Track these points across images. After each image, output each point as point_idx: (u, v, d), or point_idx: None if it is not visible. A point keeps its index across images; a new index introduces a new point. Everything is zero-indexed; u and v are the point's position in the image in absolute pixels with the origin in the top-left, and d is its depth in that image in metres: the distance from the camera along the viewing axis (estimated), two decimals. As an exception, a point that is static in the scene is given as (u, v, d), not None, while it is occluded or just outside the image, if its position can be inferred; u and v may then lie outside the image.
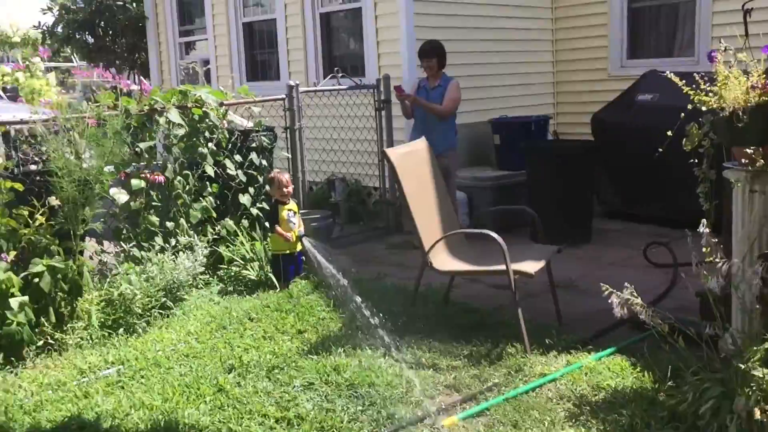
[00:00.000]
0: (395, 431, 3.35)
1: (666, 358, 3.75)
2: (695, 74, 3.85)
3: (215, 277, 5.71)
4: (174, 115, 5.52)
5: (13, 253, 4.50)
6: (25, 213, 4.64)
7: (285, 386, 3.85)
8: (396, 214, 7.29)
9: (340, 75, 7.08)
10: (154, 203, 5.44)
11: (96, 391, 3.88)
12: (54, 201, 4.67)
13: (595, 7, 8.62)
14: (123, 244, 5.23)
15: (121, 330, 4.68)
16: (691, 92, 3.75)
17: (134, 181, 5.28)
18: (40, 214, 4.63)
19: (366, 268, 6.16)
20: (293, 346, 4.39)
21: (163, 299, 4.94)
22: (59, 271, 4.53)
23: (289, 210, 5.65)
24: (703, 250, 3.39)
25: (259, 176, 6.21)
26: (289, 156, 6.50)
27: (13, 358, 4.28)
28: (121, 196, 5.20)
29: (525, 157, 6.95)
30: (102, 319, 4.70)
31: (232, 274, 5.71)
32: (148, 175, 5.38)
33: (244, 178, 6.04)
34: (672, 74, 3.96)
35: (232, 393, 3.78)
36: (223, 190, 5.98)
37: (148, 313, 4.83)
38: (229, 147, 6.00)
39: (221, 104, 5.87)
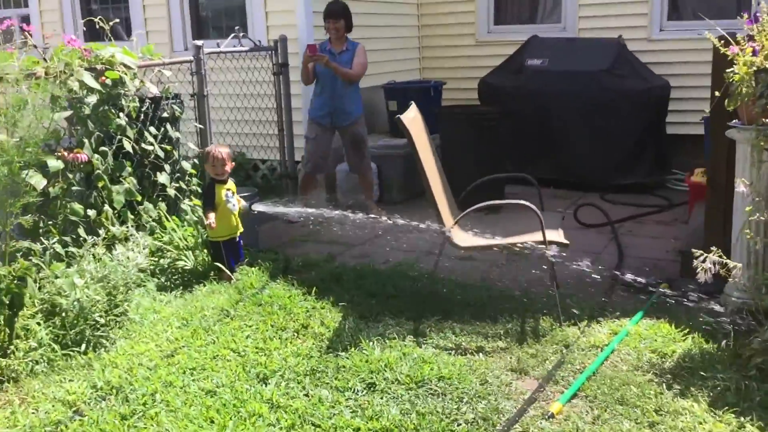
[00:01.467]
0: (508, 428, 3.04)
1: (687, 317, 3.90)
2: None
3: (146, 271, 4.85)
4: (89, 79, 4.55)
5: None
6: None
7: (345, 392, 3.35)
8: (295, 188, 6.77)
9: (242, 35, 6.31)
10: (74, 188, 4.47)
11: (129, 426, 3.08)
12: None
13: (461, -28, 8.60)
14: (44, 240, 4.22)
15: (83, 346, 3.77)
16: (737, 54, 3.73)
17: (51, 162, 4.27)
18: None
19: (299, 248, 5.65)
20: (312, 345, 3.85)
21: (122, 303, 4.07)
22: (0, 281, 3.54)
23: (228, 190, 4.95)
24: None
25: (174, 151, 5.38)
26: (201, 127, 5.69)
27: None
28: (37, 179, 4.17)
29: (439, 123, 6.77)
30: (53, 336, 3.76)
31: (166, 266, 4.90)
32: (66, 154, 4.39)
33: (161, 154, 5.18)
34: (711, 34, 3.93)
35: (293, 407, 3.20)
36: (136, 168, 5.09)
37: (112, 322, 3.95)
38: (141, 117, 5.10)
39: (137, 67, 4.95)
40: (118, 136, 4.86)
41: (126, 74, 4.85)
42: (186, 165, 5.41)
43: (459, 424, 3.06)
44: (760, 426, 2.95)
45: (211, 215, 4.83)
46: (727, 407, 3.09)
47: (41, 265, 4.07)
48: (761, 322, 3.58)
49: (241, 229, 5.02)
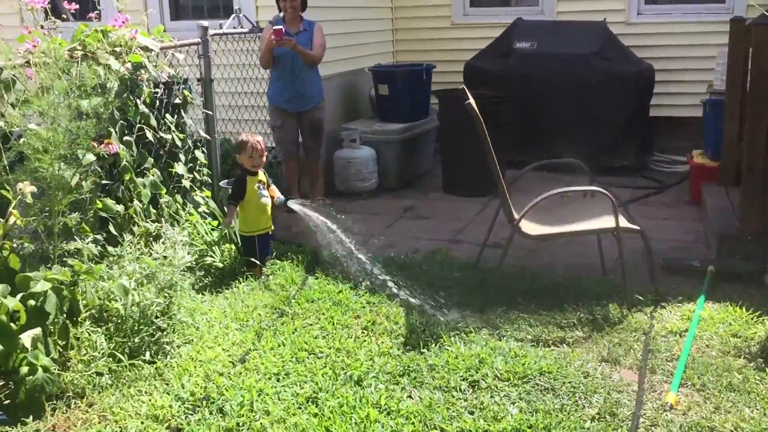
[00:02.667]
0: (637, 423, 2.98)
1: (744, 298, 3.99)
2: None
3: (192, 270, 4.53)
4: (114, 63, 4.18)
5: (-10, 270, 3.05)
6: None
7: (451, 392, 3.21)
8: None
9: (242, 15, 5.96)
10: (103, 181, 4.11)
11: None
12: (28, 188, 3.24)
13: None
14: (79, 240, 3.85)
15: (147, 354, 3.47)
16: None
17: (83, 154, 3.90)
18: (14, 208, 3.20)
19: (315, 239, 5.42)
20: (390, 342, 3.68)
21: (173, 306, 3.77)
22: (62, 288, 3.20)
23: (260, 182, 4.69)
24: None
25: (188, 139, 5.04)
26: (210, 113, 5.35)
27: (29, 417, 2.94)
28: (69, 173, 3.79)
29: (440, 106, 6.65)
30: (112, 345, 3.44)
31: (194, 263, 4.58)
32: (97, 145, 4.02)
33: (179, 143, 4.84)
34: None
35: (405, 411, 3.04)
36: (155, 159, 4.74)
37: (169, 327, 3.65)
38: (157, 104, 4.75)
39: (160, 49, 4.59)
40: (138, 125, 4.49)
41: (147, 58, 4.48)
42: (199, 154, 5.08)
43: (585, 421, 2.97)
44: None
45: (234, 210, 4.57)
46: (837, 389, 3.13)
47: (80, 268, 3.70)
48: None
49: (272, 228, 4.76)
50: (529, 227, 4.02)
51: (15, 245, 3.23)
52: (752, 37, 4.58)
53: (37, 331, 2.98)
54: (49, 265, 3.37)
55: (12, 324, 2.96)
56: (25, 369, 2.92)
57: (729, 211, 5.07)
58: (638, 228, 4.03)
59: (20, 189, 3.21)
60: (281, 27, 5.61)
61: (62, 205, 3.43)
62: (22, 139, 3.43)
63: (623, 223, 3.94)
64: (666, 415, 3.01)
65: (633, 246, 4.27)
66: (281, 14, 5.87)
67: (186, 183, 4.94)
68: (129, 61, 4.35)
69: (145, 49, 4.50)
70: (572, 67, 7.11)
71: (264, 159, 4.63)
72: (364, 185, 6.49)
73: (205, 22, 5.33)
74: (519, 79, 7.17)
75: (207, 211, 4.98)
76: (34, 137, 3.25)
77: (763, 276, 4.33)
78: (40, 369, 2.93)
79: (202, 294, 4.27)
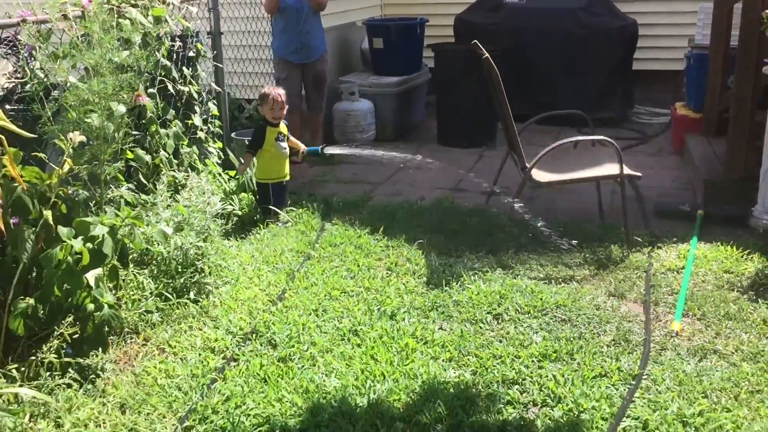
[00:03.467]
0: (646, 352, 3.31)
1: (731, 239, 4.36)
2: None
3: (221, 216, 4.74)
4: (140, 17, 4.30)
5: (48, 214, 3.24)
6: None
7: (478, 324, 3.51)
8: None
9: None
10: (134, 133, 4.27)
11: (291, 368, 3.11)
12: (78, 137, 3.41)
13: None
14: (114, 188, 4.03)
15: (191, 294, 3.70)
16: None
17: (116, 106, 4.05)
18: (68, 156, 3.37)
19: (325, 189, 5.67)
20: (415, 282, 3.97)
21: (208, 249, 3.99)
22: (116, 232, 3.40)
23: (279, 133, 4.88)
24: None
25: (202, 92, 5.19)
26: (220, 66, 5.49)
27: (96, 352, 3.17)
28: (111, 125, 3.95)
29: (436, 59, 6.85)
30: (158, 285, 3.67)
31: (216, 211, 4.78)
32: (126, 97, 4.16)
33: (195, 95, 5.00)
34: None
35: (440, 341, 3.34)
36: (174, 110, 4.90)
37: (207, 268, 3.88)
38: (174, 57, 4.88)
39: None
40: (159, 78, 4.63)
41: (172, 12, 4.61)
42: (212, 106, 5.24)
43: (602, 346, 3.30)
44: None
45: (251, 159, 4.77)
46: (822, 316, 3.51)
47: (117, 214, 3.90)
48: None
49: (289, 176, 4.98)
50: (539, 175, 4.30)
51: (70, 192, 3.40)
52: (742, -6, 4.87)
53: (99, 271, 3.19)
54: (94, 211, 3.56)
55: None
56: (91, 306, 3.13)
57: (713, 159, 5.43)
58: (639, 174, 4.34)
59: (71, 138, 3.36)
60: None
61: (107, 154, 3.60)
62: (55, 93, 3.57)
63: (626, 170, 4.24)
64: (673, 340, 3.35)
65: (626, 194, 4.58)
66: None
67: (201, 134, 5.11)
68: (152, 15, 4.47)
69: (163, 2, 4.62)
70: (560, 21, 7.35)
71: (284, 111, 4.81)
72: (362, 137, 6.71)
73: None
74: (508, 33, 7.39)
75: (219, 161, 5.16)
76: (84, 89, 3.40)
77: (748, 219, 4.69)
78: (105, 306, 3.14)
79: (228, 240, 4.49)
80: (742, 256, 4.19)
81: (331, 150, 4.90)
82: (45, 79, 3.66)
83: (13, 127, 3.06)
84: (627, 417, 2.79)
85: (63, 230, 3.13)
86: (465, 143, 6.81)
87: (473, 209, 5.01)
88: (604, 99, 7.43)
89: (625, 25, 7.37)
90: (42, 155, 3.46)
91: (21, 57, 3.63)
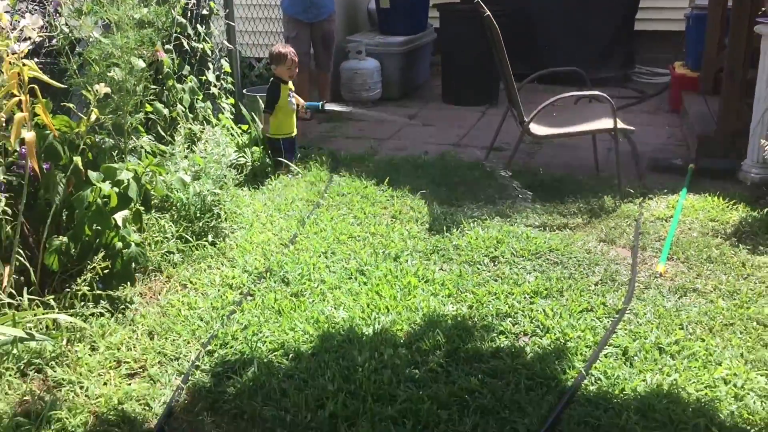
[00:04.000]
0: (630, 290, 3.57)
1: (720, 190, 4.59)
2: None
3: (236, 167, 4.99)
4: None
5: (78, 160, 3.50)
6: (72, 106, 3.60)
7: (476, 265, 3.78)
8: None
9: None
10: (152, 87, 4.50)
11: (303, 302, 3.39)
12: (103, 89, 3.65)
13: None
14: (135, 139, 4.28)
15: (209, 237, 3.98)
16: None
17: (136, 61, 4.27)
18: (95, 107, 3.62)
19: (333, 143, 5.91)
20: (417, 228, 4.23)
21: (223, 196, 4.25)
22: (140, 178, 3.67)
23: (290, 90, 5.12)
24: None
25: (215, 49, 5.41)
26: (232, 24, 5.70)
27: (123, 285, 3.46)
28: (133, 78, 4.18)
29: (441, 19, 7.04)
30: (178, 229, 3.94)
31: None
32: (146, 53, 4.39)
33: (209, 52, 5.22)
34: None
35: (440, 279, 3.61)
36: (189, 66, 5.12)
37: (223, 215, 4.15)
38: (188, 15, 5.10)
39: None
40: (175, 35, 4.85)
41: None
42: (224, 63, 5.46)
43: (590, 285, 3.56)
44: (830, 272, 3.64)
45: (269, 117, 5.01)
46: (797, 260, 3.76)
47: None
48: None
49: (295, 131, 5.21)
50: (537, 129, 4.53)
51: (97, 140, 3.66)
52: (737, -44, 5.03)
53: (126, 212, 3.46)
54: (117, 159, 3.81)
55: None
56: (119, 244, 3.41)
57: (707, 116, 5.64)
58: (632, 128, 4.56)
59: (97, 90, 3.61)
60: None
61: (129, 105, 3.85)
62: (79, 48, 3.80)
63: (620, 124, 4.47)
64: (657, 280, 3.61)
65: (621, 149, 4.80)
66: None
67: (214, 90, 5.33)
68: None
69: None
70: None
71: (297, 70, 5.03)
72: (369, 95, 6.92)
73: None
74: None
75: (231, 116, 5.40)
76: (107, 44, 3.63)
77: (737, 172, 4.92)
78: (132, 244, 3.42)
79: (241, 189, 4.75)
80: (728, 207, 4.43)
81: (330, 107, 5.12)
82: (70, 34, 3.88)
83: (46, 78, 3.31)
84: (609, 345, 3.06)
85: (93, 174, 3.39)
86: (469, 101, 7.02)
87: (474, 163, 5.25)
88: (605, 59, 7.61)
89: (627, -15, 7.51)
90: (71, 105, 3.70)
91: (48, 12, 3.86)
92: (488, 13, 4.39)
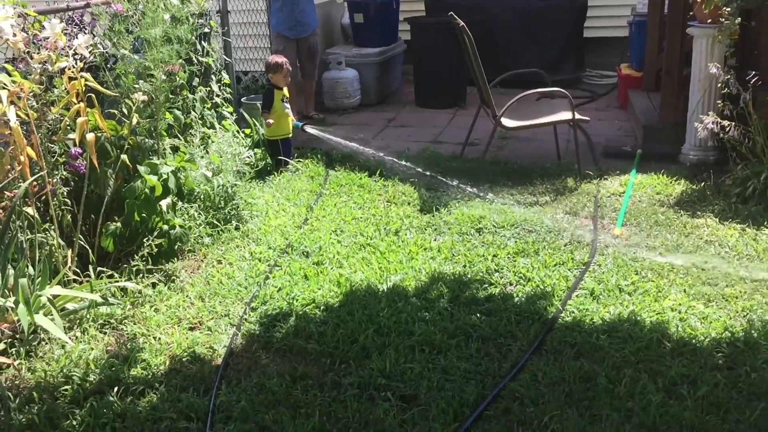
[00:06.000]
0: (593, 248, 4.30)
1: (665, 170, 5.35)
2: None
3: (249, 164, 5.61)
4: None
5: (125, 158, 4.11)
6: (121, 113, 4.22)
7: (464, 236, 4.47)
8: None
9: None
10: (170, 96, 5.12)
11: (324, 269, 4.04)
12: (141, 97, 4.28)
13: None
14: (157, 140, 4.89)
15: (233, 223, 4.61)
16: None
17: (159, 74, 4.90)
18: (136, 112, 4.24)
19: (323, 145, 6.56)
20: (410, 209, 4.91)
21: (240, 189, 4.89)
22: (176, 172, 4.29)
23: (284, 95, 5.77)
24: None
25: (216, 62, 6.04)
26: (228, 40, 6.35)
27: (172, 260, 4.08)
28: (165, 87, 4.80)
29: (412, 31, 7.77)
30: (206, 216, 4.57)
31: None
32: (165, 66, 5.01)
33: (213, 66, 5.85)
34: None
35: (436, 247, 4.29)
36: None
37: (242, 204, 4.78)
38: (195, 33, 5.72)
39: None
40: (181, 49, 5.47)
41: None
42: (225, 75, 6.09)
43: (561, 245, 4.29)
44: (755, 228, 4.42)
45: (268, 116, 5.65)
46: (729, 220, 4.54)
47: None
48: (725, 170, 5.07)
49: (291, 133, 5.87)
50: (507, 122, 5.26)
51: (139, 140, 4.27)
52: (669, -31, 5.86)
53: (169, 200, 4.08)
54: (154, 157, 4.43)
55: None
56: (165, 227, 4.02)
57: (651, 110, 6.45)
58: (587, 119, 5.33)
59: (136, 98, 4.23)
60: None
61: (161, 112, 4.47)
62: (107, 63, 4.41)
63: (577, 115, 5.23)
64: (614, 240, 4.35)
65: (578, 139, 5.56)
66: None
67: (217, 99, 5.96)
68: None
69: (187, -14, 5.45)
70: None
71: (290, 78, 5.69)
72: (349, 101, 7.61)
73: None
74: (475, 7, 8.30)
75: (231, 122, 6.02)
76: (138, 61, 4.26)
77: (678, 155, 5.71)
78: (177, 226, 4.04)
79: (250, 184, 5.38)
80: (670, 183, 5.22)
81: (309, 129, 5.80)
82: (107, 52, 4.50)
83: (101, 88, 3.93)
84: (579, 288, 3.78)
85: (141, 168, 4.01)
86: (440, 104, 7.75)
87: (452, 156, 5.96)
88: (559, 63, 8.41)
89: (576, -3, 8.36)
90: (115, 111, 4.31)
91: (88, 32, 4.46)
92: (462, 23, 5.08)
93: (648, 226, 4.53)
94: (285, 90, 5.78)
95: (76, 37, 3.98)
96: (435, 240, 4.42)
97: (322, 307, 3.66)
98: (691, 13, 5.31)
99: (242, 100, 6.44)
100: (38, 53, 3.72)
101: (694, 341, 3.28)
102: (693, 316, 3.49)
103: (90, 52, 4.26)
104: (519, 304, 3.64)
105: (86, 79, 3.85)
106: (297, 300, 3.72)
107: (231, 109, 6.13)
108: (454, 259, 4.15)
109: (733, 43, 5.13)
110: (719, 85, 5.04)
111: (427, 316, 3.54)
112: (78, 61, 3.84)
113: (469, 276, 3.94)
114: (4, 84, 3.43)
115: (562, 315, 3.54)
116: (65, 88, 3.82)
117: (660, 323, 3.42)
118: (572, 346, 3.28)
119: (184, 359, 3.27)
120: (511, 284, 3.87)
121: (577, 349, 3.23)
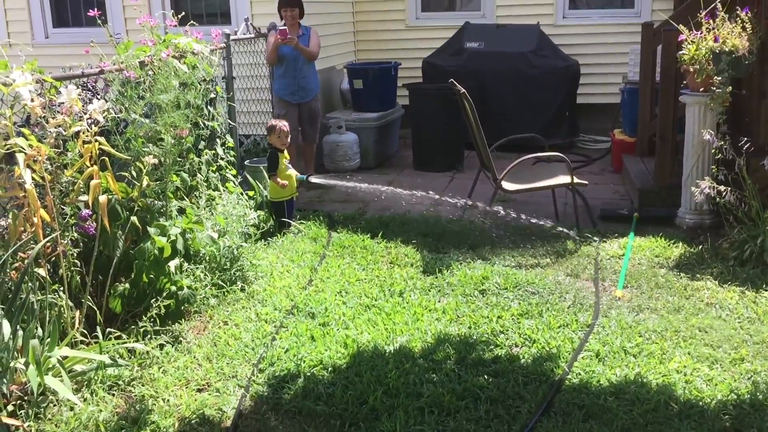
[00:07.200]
0: (596, 310, 4.36)
1: (662, 233, 5.44)
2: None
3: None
4: (181, 65, 5.28)
5: (135, 219, 4.18)
6: (130, 175, 4.30)
7: (469, 297, 4.52)
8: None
9: (250, 22, 7.11)
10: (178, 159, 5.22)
11: (331, 330, 4.07)
12: (152, 160, 4.37)
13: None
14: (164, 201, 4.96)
15: (238, 284, 4.65)
16: (717, 41, 5.09)
17: (168, 138, 5.01)
18: (146, 175, 4.32)
19: (324, 207, 6.65)
20: (413, 271, 4.96)
21: (246, 250, 4.94)
22: (185, 234, 4.35)
23: (285, 158, 5.89)
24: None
25: (221, 126, 6.16)
26: (233, 105, 6.49)
27: (179, 321, 4.11)
28: (174, 151, 4.89)
29: (410, 97, 7.96)
30: (212, 278, 4.61)
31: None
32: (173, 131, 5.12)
33: (218, 129, 5.97)
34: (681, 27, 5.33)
35: (441, 308, 4.34)
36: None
37: (247, 265, 4.83)
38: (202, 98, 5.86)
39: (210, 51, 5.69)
40: (190, 114, 5.59)
41: (202, 60, 5.58)
42: (229, 139, 6.21)
43: (564, 307, 4.34)
44: (754, 291, 4.49)
45: (276, 179, 5.75)
46: (728, 283, 4.61)
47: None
48: (721, 233, 5.17)
49: (297, 193, 5.96)
50: (507, 185, 5.37)
51: (148, 202, 4.34)
52: (661, 39, 6.08)
53: (176, 261, 4.12)
54: (162, 218, 4.49)
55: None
56: (173, 288, 4.06)
57: (645, 174, 6.59)
58: (586, 182, 5.45)
59: (146, 161, 4.32)
60: (285, 28, 6.81)
61: (170, 174, 4.56)
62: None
63: (576, 179, 5.35)
64: (617, 302, 4.41)
65: (576, 202, 5.68)
66: (282, 22, 7.04)
67: (222, 162, 6.06)
68: (186, 63, 5.45)
69: (193, 53, 5.61)
70: (514, 63, 8.55)
71: (288, 140, 5.82)
72: (349, 164, 7.74)
73: (227, 29, 6.46)
74: (470, 73, 8.53)
75: (235, 185, 6.12)
76: (148, 125, 4.37)
77: (674, 218, 5.82)
78: (185, 287, 4.07)
79: (254, 245, 5.43)
80: (669, 245, 5.30)
81: (314, 179, 5.90)
82: (119, 116, 4.60)
83: (114, 151, 4.01)
84: (584, 350, 3.82)
85: (151, 230, 4.06)
86: (437, 168, 7.88)
87: (452, 219, 6.05)
88: (553, 128, 8.59)
89: (568, 65, 8.60)
90: (126, 174, 4.39)
91: (101, 97, 4.58)
92: (463, 90, 5.23)
93: (649, 289, 4.59)
94: (286, 153, 5.88)
95: (91, 102, 4.09)
96: (439, 301, 4.47)
97: (329, 369, 3.67)
98: (684, 83, 5.50)
99: (245, 162, 6.55)
100: (54, 118, 3.82)
101: (700, 403, 3.31)
102: (698, 378, 3.52)
103: (103, 117, 4.37)
104: (526, 365, 3.67)
105: (100, 143, 3.93)
106: (304, 361, 3.74)
107: (234, 171, 6.23)
108: (459, 320, 4.19)
109: (724, 110, 5.30)
110: (713, 150, 5.18)
111: (435, 377, 3.56)
112: (92, 125, 3.93)
113: (474, 337, 3.97)
114: (22, 147, 3.50)
115: (569, 377, 3.56)
116: (79, 152, 3.90)
117: (666, 385, 3.46)
118: (581, 408, 3.30)
119: (193, 421, 3.27)
120: (516, 345, 3.90)
121: (585, 411, 3.25)
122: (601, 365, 3.66)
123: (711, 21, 5.22)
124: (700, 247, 5.17)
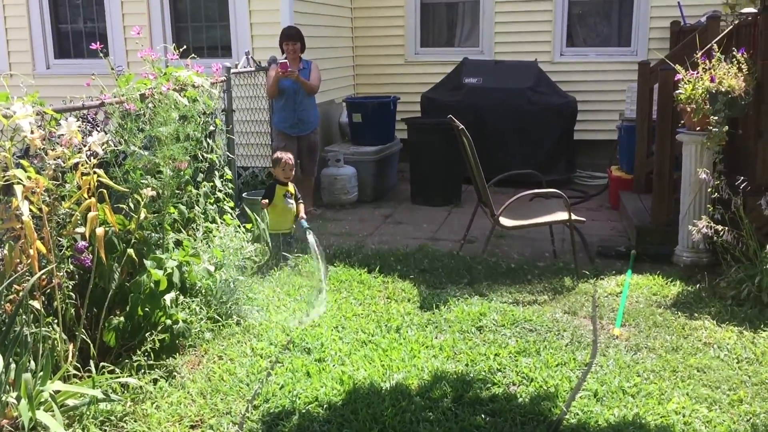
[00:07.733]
0: (594, 348, 4.34)
1: (659, 271, 5.44)
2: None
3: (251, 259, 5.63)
4: (181, 99, 5.31)
5: (131, 252, 4.16)
6: (128, 206, 4.29)
7: (466, 334, 4.49)
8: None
9: (250, 56, 7.17)
10: (176, 192, 5.21)
11: (327, 366, 4.03)
12: (150, 192, 4.37)
13: (392, 0, 9.84)
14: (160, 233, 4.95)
15: (234, 317, 4.62)
16: (713, 81, 5.14)
17: (167, 170, 5.01)
18: (144, 207, 4.31)
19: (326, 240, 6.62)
20: (410, 306, 4.94)
21: (241, 284, 4.91)
22: (182, 266, 4.33)
23: (287, 191, 5.89)
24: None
25: (219, 159, 6.17)
26: (232, 137, 6.51)
27: (174, 356, 4.07)
28: (173, 183, 4.89)
29: (409, 131, 7.99)
30: (208, 311, 4.58)
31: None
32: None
33: (217, 162, 5.98)
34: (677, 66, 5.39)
35: (439, 345, 4.31)
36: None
37: (243, 298, 4.81)
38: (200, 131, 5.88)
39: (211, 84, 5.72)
40: (190, 147, 5.60)
41: (202, 93, 5.61)
42: (228, 171, 6.21)
43: (562, 345, 4.31)
44: (752, 331, 4.47)
45: (266, 205, 5.74)
46: (726, 323, 4.59)
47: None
48: (718, 272, 5.17)
49: (294, 229, 5.95)
50: (505, 221, 5.37)
51: (145, 234, 4.32)
52: (658, 78, 6.14)
53: (172, 295, 4.10)
54: (158, 251, 4.47)
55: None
56: (168, 321, 4.03)
57: (643, 211, 6.60)
58: (583, 219, 5.45)
59: (144, 193, 4.31)
60: (286, 61, 6.86)
61: (167, 206, 4.55)
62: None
63: (573, 216, 5.35)
64: (615, 341, 4.39)
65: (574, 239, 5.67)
66: (283, 55, 7.09)
67: (220, 194, 6.07)
68: (187, 96, 5.48)
69: (194, 86, 5.64)
70: (512, 99, 8.62)
71: (293, 173, 5.83)
72: (347, 198, 7.75)
73: (227, 62, 6.50)
74: (469, 108, 8.59)
75: (233, 217, 6.11)
76: (147, 157, 4.38)
77: (671, 256, 5.82)
78: (180, 321, 4.04)
79: (251, 278, 5.41)
80: (666, 284, 5.29)
81: (311, 237, 5.85)
82: (118, 148, 4.61)
83: (113, 184, 4.01)
84: (582, 389, 3.78)
85: (148, 263, 4.04)
86: (435, 202, 7.89)
87: (450, 254, 6.04)
88: (550, 164, 8.63)
89: (566, 101, 8.67)
90: (123, 206, 4.38)
91: (101, 129, 4.59)
92: (462, 126, 5.26)
93: (647, 327, 4.57)
94: (291, 186, 5.89)
95: (90, 134, 4.10)
96: (436, 338, 4.44)
97: (325, 406, 3.64)
98: (681, 122, 5.53)
99: (243, 195, 6.55)
100: (53, 149, 3.82)
101: (700, 445, 3.28)
102: (697, 419, 3.49)
103: (103, 149, 4.38)
104: (523, 404, 3.64)
105: (99, 175, 3.93)
106: (300, 398, 3.70)
107: (232, 203, 6.23)
108: (456, 357, 4.16)
109: (721, 149, 5.32)
110: (709, 189, 5.20)
111: (432, 416, 3.52)
112: (91, 157, 3.94)
113: (471, 375, 3.93)
114: (20, 179, 3.50)
115: (567, 416, 3.53)
116: (77, 183, 3.90)
117: (665, 426, 3.42)
118: (578, 448, 3.26)
119: (186, 458, 3.22)
120: (514, 384, 3.87)
121: (583, 452, 3.22)
122: (599, 405, 3.62)
123: (707, 61, 5.26)
124: (698, 285, 5.16)
